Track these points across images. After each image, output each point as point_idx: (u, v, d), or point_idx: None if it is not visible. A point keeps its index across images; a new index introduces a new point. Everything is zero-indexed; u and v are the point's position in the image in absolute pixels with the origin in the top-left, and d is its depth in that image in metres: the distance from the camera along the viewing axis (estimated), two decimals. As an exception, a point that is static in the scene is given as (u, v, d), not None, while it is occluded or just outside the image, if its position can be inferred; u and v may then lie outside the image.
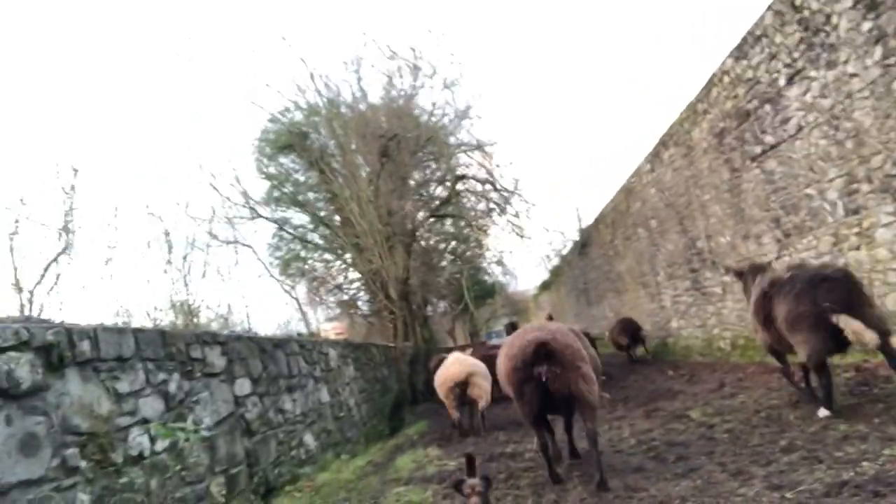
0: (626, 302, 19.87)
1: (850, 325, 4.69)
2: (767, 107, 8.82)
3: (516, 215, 20.31)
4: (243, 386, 6.40)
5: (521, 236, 20.59)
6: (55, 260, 6.43)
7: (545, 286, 39.04)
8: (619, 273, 19.97)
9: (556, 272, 33.55)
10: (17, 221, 6.01)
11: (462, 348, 21.55)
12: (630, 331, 14.78)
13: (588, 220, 24.11)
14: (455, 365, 8.90)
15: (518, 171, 26.19)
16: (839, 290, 4.89)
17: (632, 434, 6.53)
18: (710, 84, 10.63)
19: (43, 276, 6.18)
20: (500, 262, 27.85)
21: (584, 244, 24.27)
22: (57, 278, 6.07)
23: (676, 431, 6.22)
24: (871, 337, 4.66)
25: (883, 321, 5.00)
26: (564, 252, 29.35)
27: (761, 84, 8.89)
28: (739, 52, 9.41)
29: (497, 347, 14.85)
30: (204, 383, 5.58)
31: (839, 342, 4.93)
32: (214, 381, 5.81)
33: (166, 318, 8.68)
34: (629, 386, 10.82)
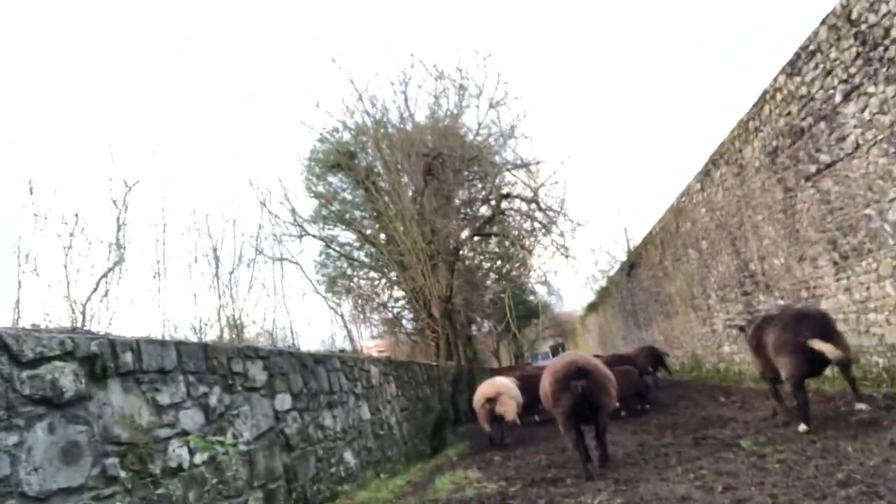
0: (675, 325, 19.39)
1: (820, 346, 5.88)
2: (822, 124, 8.52)
3: (561, 235, 20.09)
4: (284, 401, 6.44)
5: (567, 256, 20.33)
6: (107, 274, 6.61)
7: (592, 307, 38.44)
8: (668, 295, 19.52)
9: (603, 293, 33.04)
10: (71, 235, 6.20)
11: (508, 369, 21.38)
12: (654, 357, 14.77)
13: (636, 241, 23.73)
14: (487, 385, 10.70)
15: (564, 190, 25.95)
16: (816, 324, 6.18)
17: (678, 461, 6.28)
18: (762, 101, 10.35)
19: (95, 289, 6.35)
20: (545, 283, 27.61)
21: (632, 265, 23.85)
22: (106, 292, 6.22)
23: (726, 460, 5.96)
24: (835, 353, 5.86)
25: (848, 350, 6.22)
26: (612, 273, 28.90)
27: (816, 101, 8.61)
28: (792, 69, 9.15)
29: (540, 369, 14.77)
30: (245, 397, 5.63)
31: (814, 367, 6.26)
32: (255, 395, 5.85)
33: (212, 333, 8.83)
34: (678, 412, 10.48)
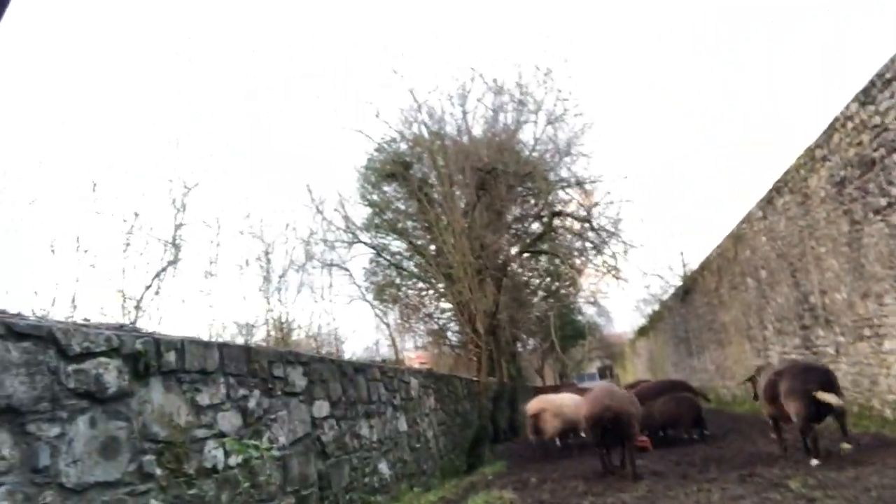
0: (729, 355, 18.77)
1: (824, 396, 6.96)
2: None
3: (613, 256, 19.73)
4: (322, 408, 6.49)
5: (618, 278, 19.94)
6: (161, 272, 6.80)
7: (643, 331, 37.59)
8: (723, 324, 18.93)
9: (654, 318, 32.27)
10: (129, 233, 6.41)
11: (552, 388, 21.15)
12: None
13: (692, 266, 23.14)
14: (534, 402, 11.56)
15: (619, 210, 25.10)
16: (820, 376, 7.28)
17: (721, 499, 6.04)
18: (832, 129, 9.95)
19: (149, 286, 6.55)
20: (594, 303, 27.14)
21: (687, 291, 23.24)
22: (158, 290, 6.41)
23: (772, 502, 5.70)
24: (837, 402, 6.99)
25: (843, 400, 7.38)
26: (665, 297, 28.19)
27: (890, 131, 8.21)
28: (866, 97, 8.76)
29: (584, 390, 14.56)
30: (283, 402, 5.69)
31: (819, 414, 7.19)
32: (294, 400, 5.91)
33: (259, 334, 9.01)
34: (726, 446, 10.11)
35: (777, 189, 12.83)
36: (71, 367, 3.31)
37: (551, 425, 10.92)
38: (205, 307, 7.40)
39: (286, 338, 10.04)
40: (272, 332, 9.50)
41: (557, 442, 11.83)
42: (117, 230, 6.33)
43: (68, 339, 3.30)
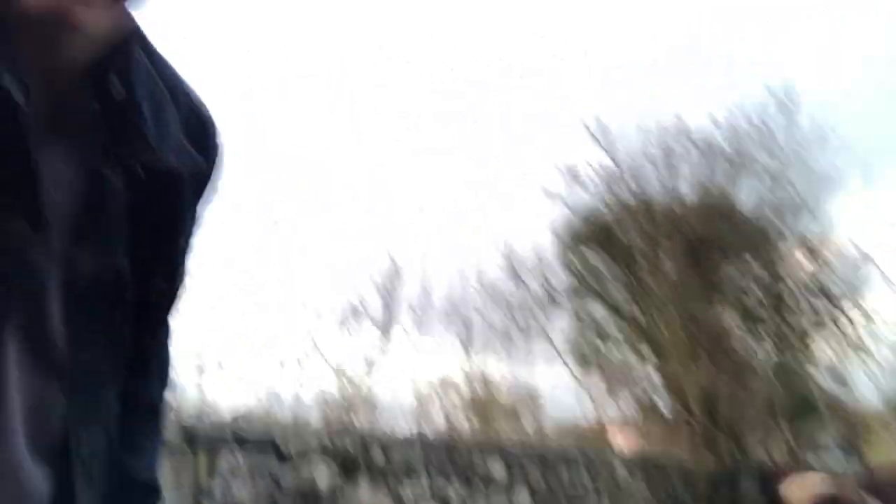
0: None
1: None
2: None
3: (852, 324, 17.16)
4: (522, 497, 6.33)
5: (859, 349, 17.27)
6: (376, 356, 7.27)
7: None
8: None
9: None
10: (344, 322, 7.02)
11: (785, 472, 18.84)
12: None
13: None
14: (786, 487, 10.95)
15: (858, 271, 21.37)
16: None
17: None
18: None
19: (369, 367, 7.03)
20: (831, 373, 23.69)
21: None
22: (372, 369, 6.86)
23: None
24: None
25: None
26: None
27: None
28: None
29: (829, 474, 12.82)
30: (483, 493, 5.65)
31: None
32: (494, 490, 5.85)
33: (458, 405, 9.30)
34: None
35: None
36: (287, 469, 3.58)
37: None
38: (411, 379, 7.82)
39: (486, 410, 10.16)
40: (470, 408, 9.71)
41: None
42: (334, 317, 6.97)
43: (285, 443, 3.60)
